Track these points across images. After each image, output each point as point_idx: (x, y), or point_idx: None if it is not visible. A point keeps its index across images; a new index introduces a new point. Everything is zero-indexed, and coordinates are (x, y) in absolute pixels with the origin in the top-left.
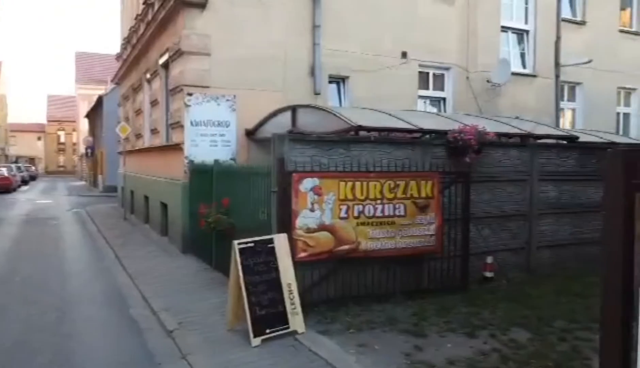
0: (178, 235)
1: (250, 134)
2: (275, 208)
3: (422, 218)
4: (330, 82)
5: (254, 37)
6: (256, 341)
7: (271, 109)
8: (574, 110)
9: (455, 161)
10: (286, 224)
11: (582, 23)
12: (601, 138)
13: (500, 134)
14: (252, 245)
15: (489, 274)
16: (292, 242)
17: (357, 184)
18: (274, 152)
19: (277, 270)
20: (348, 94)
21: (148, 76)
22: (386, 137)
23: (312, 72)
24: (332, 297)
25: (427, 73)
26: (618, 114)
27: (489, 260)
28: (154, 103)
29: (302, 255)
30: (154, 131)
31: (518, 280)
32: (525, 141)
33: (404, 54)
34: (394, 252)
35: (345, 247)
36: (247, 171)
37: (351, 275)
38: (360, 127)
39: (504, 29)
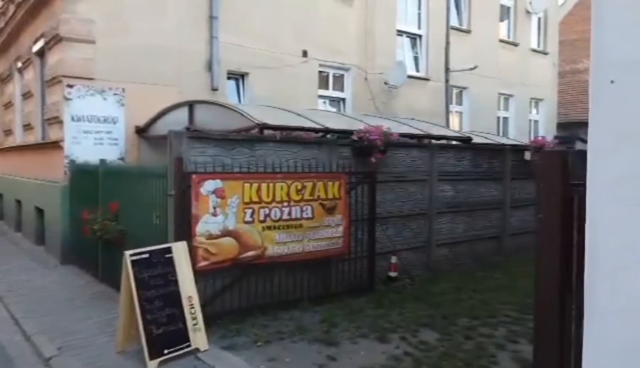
0: (56, 243)
1: (141, 131)
2: (173, 213)
3: (329, 220)
4: (229, 78)
5: (146, 26)
6: (153, 364)
7: (164, 104)
8: (461, 113)
9: (361, 161)
10: (185, 231)
11: (468, 31)
12: (491, 139)
13: (402, 135)
14: (147, 255)
15: (393, 274)
16: (192, 250)
17: (263, 186)
18: (170, 151)
19: (176, 282)
20: (248, 91)
21: (19, 64)
22: (292, 136)
23: (210, 67)
24: (237, 308)
25: (327, 73)
26: (498, 117)
27: (394, 259)
28: (26, 95)
29: (204, 263)
30: (27, 127)
31: (420, 278)
32: (422, 141)
33: (305, 53)
34: (301, 256)
35: (251, 253)
36: (139, 172)
37: (257, 282)
38: (265, 126)
39: (400, 32)
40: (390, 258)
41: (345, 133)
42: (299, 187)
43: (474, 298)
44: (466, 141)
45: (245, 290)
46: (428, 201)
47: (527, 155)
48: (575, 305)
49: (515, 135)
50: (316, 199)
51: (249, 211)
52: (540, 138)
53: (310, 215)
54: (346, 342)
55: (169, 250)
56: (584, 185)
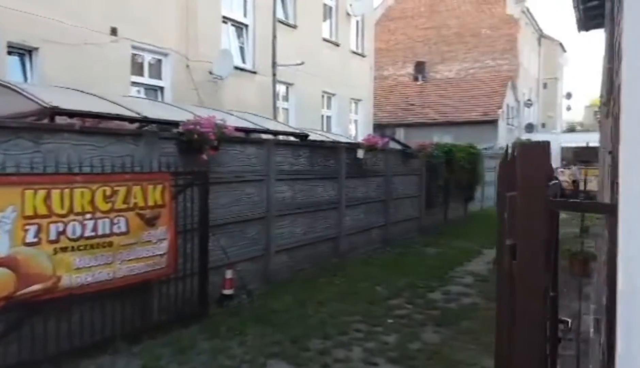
0: None
1: None
2: None
3: (150, 234)
4: (10, 53)
5: None
6: None
7: None
8: (287, 110)
9: (190, 158)
10: None
11: (294, 27)
12: (326, 137)
13: (237, 129)
14: None
15: (228, 291)
16: None
17: (55, 192)
18: None
19: None
20: (37, 70)
21: None
22: (99, 127)
23: None
24: (16, 363)
25: (142, 57)
26: (322, 116)
27: (229, 274)
28: None
29: None
30: None
31: (259, 292)
32: (258, 137)
33: (114, 31)
34: (112, 284)
35: (36, 287)
36: None
37: (47, 325)
38: (58, 111)
39: (225, 19)
40: (225, 272)
41: (170, 124)
42: (108, 193)
43: (320, 312)
44: (303, 137)
45: (29, 337)
46: (266, 204)
47: (360, 153)
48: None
49: (331, 136)
50: (132, 209)
51: (32, 229)
52: (372, 137)
53: (124, 229)
54: None
55: None
56: None
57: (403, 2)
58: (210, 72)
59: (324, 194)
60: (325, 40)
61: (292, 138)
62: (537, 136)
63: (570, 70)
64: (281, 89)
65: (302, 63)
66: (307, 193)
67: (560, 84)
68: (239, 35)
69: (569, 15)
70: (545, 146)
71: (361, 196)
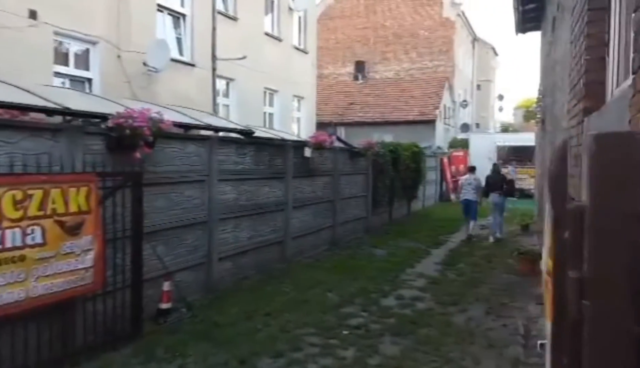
0: None
1: None
2: None
3: (72, 245)
4: None
5: None
6: None
7: None
8: (228, 106)
9: (120, 157)
10: None
11: (235, 19)
12: (272, 134)
13: (175, 124)
14: None
15: (166, 305)
16: None
17: None
18: None
19: None
20: None
21: None
22: (6, 119)
23: None
24: None
25: (68, 45)
26: (265, 113)
27: (166, 286)
28: None
29: None
30: None
31: (201, 304)
32: (199, 133)
33: (34, 14)
34: (25, 305)
35: None
36: None
37: None
38: None
39: (160, 8)
40: (163, 284)
41: (97, 118)
42: (20, 197)
43: (270, 325)
44: (248, 134)
45: None
46: (208, 207)
47: (307, 152)
48: None
49: (281, 135)
50: (50, 216)
51: None
52: (320, 134)
53: (40, 240)
54: None
55: None
56: None
57: (342, 1)
58: (145, 64)
59: (271, 195)
60: (267, 34)
61: (236, 135)
62: (473, 136)
63: (501, 73)
64: (221, 84)
65: (243, 57)
66: (253, 194)
67: (493, 86)
68: (176, 26)
69: (500, 21)
70: (635, 135)
71: (309, 197)
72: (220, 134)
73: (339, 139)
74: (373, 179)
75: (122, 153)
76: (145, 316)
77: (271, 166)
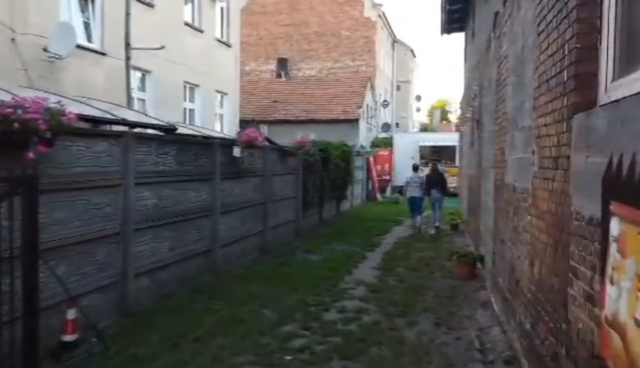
0: None
1: None
2: None
3: None
4: None
5: None
6: None
7: None
8: (144, 101)
9: (8, 157)
10: None
11: (151, 5)
12: (197, 131)
13: (81, 118)
14: None
15: (70, 337)
16: None
17: None
18: None
19: None
20: None
21: None
22: None
23: None
24: None
25: None
26: (185, 109)
27: (71, 314)
28: None
29: None
30: None
31: (115, 331)
32: (110, 129)
33: None
34: None
35: None
36: None
37: None
38: None
39: None
40: (66, 311)
41: None
42: None
43: (200, 354)
44: (170, 131)
45: None
46: (122, 216)
47: (236, 151)
48: None
49: (205, 132)
50: None
51: None
52: (252, 132)
53: None
54: None
55: None
56: None
57: None
58: (45, 50)
59: (196, 200)
60: (187, 24)
61: (155, 132)
62: (397, 135)
63: (419, 74)
64: (137, 76)
65: (161, 47)
66: (176, 198)
67: (411, 87)
68: (84, 9)
69: (417, 25)
70: None
71: (238, 200)
72: (138, 130)
73: (265, 138)
74: (303, 180)
75: (10, 152)
76: (43, 353)
77: (197, 167)
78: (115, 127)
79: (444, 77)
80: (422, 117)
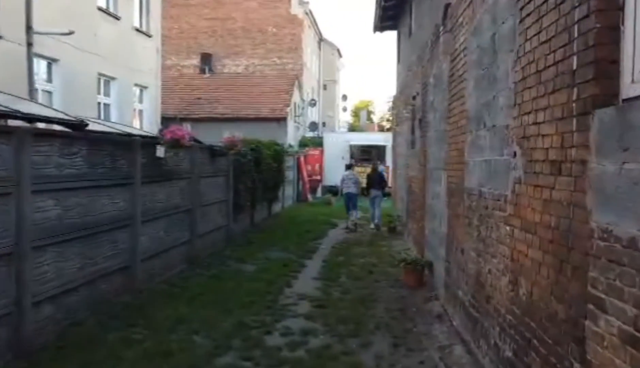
0: None
1: None
2: None
3: None
4: None
5: None
6: None
7: None
8: (50, 93)
9: None
10: None
11: None
12: (113, 127)
13: None
14: None
15: None
16: None
17: None
18: None
19: None
20: None
21: None
22: None
23: None
24: None
25: None
26: (99, 103)
27: None
28: None
29: None
30: None
31: None
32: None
33: None
34: None
35: None
36: None
37: None
38: None
39: None
40: None
41: None
42: None
43: None
44: (79, 127)
45: None
46: (15, 231)
47: (160, 151)
48: None
49: (122, 128)
50: None
51: None
52: (178, 129)
53: None
54: None
55: None
56: None
57: None
58: None
59: (112, 208)
60: (101, 10)
61: (61, 128)
62: (327, 135)
63: (345, 74)
64: (42, 65)
65: (70, 33)
66: (86, 207)
67: (338, 87)
68: None
69: (342, 25)
70: None
71: (162, 206)
72: (40, 125)
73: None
74: (234, 181)
75: None
76: None
77: (113, 170)
78: (12, 123)
79: (367, 78)
80: (347, 117)
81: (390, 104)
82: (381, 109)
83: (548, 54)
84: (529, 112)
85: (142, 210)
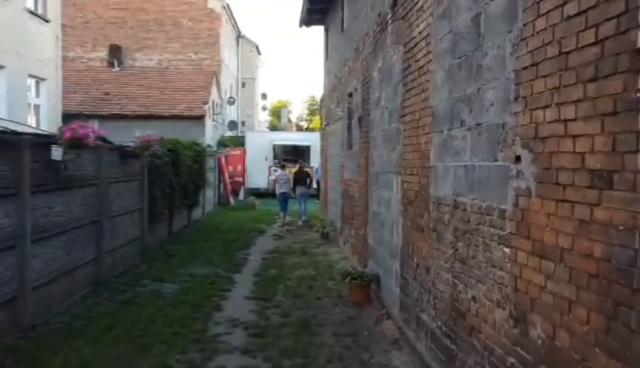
0: None
1: None
2: None
3: None
4: None
5: None
6: None
7: None
8: None
9: None
10: None
11: None
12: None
13: None
14: None
15: None
16: None
17: None
18: None
19: None
20: None
21: None
22: None
23: None
24: None
25: None
26: (30, 105)
27: None
28: None
29: None
30: None
31: None
32: None
33: None
34: None
35: None
36: None
37: None
38: None
39: None
40: None
41: None
42: None
43: None
44: None
45: None
46: None
47: (57, 153)
48: None
49: (50, 128)
50: None
51: None
52: (78, 126)
53: None
54: None
55: None
56: None
57: None
58: None
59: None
60: (30, 12)
61: None
62: (250, 134)
63: (264, 72)
64: None
65: None
66: None
67: (257, 85)
68: None
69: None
70: None
71: (61, 220)
72: None
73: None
74: (149, 186)
75: None
76: None
77: None
78: None
79: (284, 78)
80: (267, 116)
81: (307, 104)
82: (298, 109)
83: (583, 30)
84: (546, 107)
85: (34, 226)
